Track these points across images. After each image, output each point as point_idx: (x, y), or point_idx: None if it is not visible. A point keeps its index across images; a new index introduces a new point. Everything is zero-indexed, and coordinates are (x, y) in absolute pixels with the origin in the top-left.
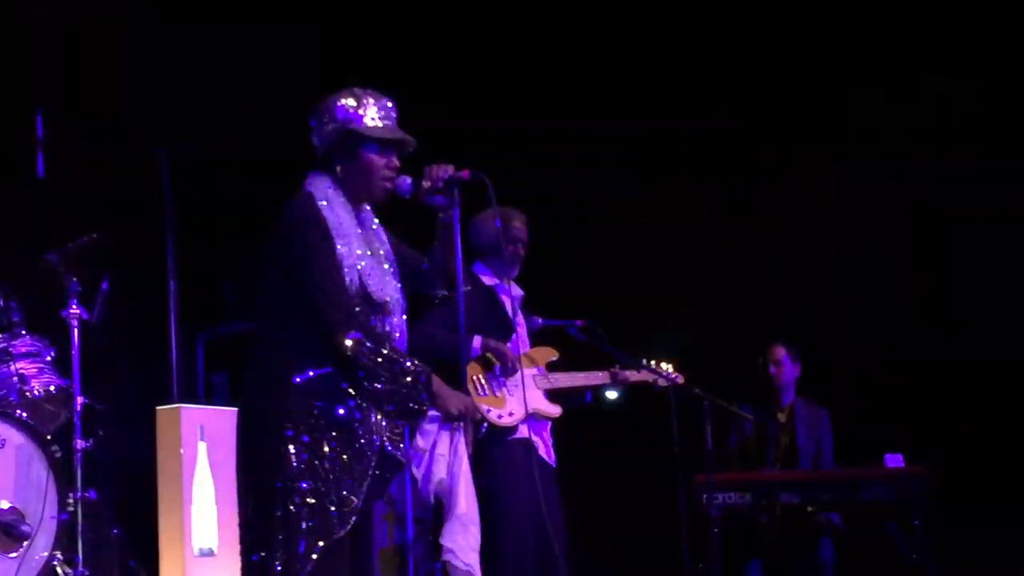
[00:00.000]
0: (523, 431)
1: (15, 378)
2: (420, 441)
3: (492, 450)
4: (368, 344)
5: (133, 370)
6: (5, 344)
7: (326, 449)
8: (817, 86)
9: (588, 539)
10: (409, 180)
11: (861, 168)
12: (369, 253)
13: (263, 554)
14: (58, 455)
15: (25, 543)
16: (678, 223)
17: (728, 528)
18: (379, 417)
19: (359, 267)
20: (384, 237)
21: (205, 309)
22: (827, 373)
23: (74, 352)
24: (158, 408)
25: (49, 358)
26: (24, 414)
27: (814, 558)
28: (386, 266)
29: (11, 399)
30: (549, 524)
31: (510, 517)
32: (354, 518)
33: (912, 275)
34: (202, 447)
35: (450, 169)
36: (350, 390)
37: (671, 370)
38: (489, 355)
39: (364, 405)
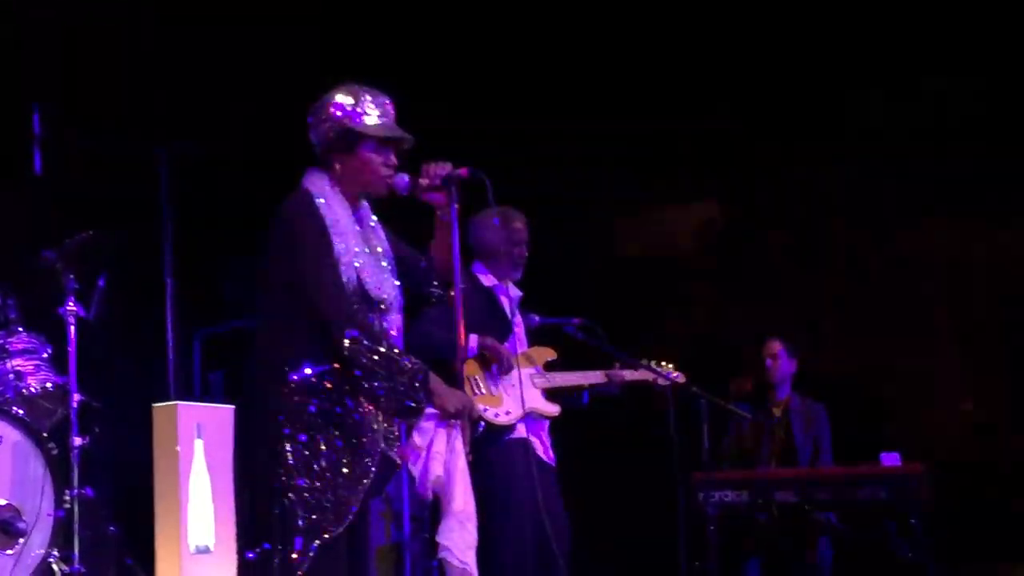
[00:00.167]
0: (520, 430)
1: (12, 375)
2: (417, 439)
3: (489, 449)
4: (365, 342)
5: (130, 367)
6: (2, 341)
7: (323, 447)
8: (817, 86)
9: (586, 538)
10: (407, 178)
11: (861, 167)
12: (367, 251)
13: (259, 552)
14: (54, 452)
15: (21, 540)
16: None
17: (725, 527)
18: (379, 415)
19: (356, 265)
20: (382, 235)
21: (202, 307)
22: (824, 371)
23: (71, 349)
24: (155, 406)
25: (46, 355)
26: (21, 411)
27: (812, 557)
28: (384, 264)
29: (7, 396)
30: (549, 523)
31: (507, 516)
32: (351, 516)
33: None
34: (199, 445)
35: (448, 167)
36: (347, 388)
37: (671, 369)
38: (486, 354)
39: (362, 403)
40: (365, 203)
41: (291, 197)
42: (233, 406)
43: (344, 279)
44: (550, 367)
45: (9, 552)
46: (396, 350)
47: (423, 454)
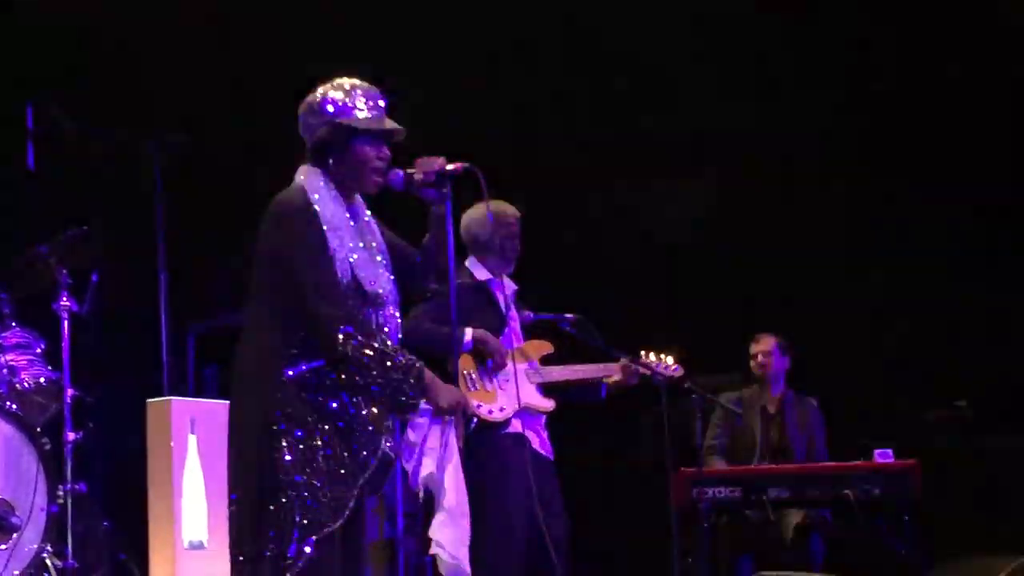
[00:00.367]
0: (515, 425)
1: (5, 370)
2: (411, 435)
3: (484, 444)
4: (359, 338)
5: (123, 362)
6: None
7: (319, 443)
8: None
9: (578, 533)
10: (401, 173)
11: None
12: (361, 245)
13: (254, 548)
14: (48, 447)
15: (14, 535)
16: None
17: (718, 523)
18: (374, 411)
19: (351, 260)
20: (376, 229)
21: (196, 302)
22: (817, 367)
23: (64, 344)
24: (148, 401)
25: (39, 350)
26: (14, 406)
27: (804, 553)
28: (378, 259)
29: (1, 391)
30: (545, 517)
31: (501, 512)
32: (347, 512)
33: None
34: (192, 440)
35: (442, 162)
36: (342, 384)
37: (671, 362)
38: (480, 347)
39: (357, 399)
40: (359, 198)
41: (285, 192)
42: (227, 401)
43: (339, 274)
44: (547, 361)
45: (2, 547)
46: (390, 345)
47: (417, 450)
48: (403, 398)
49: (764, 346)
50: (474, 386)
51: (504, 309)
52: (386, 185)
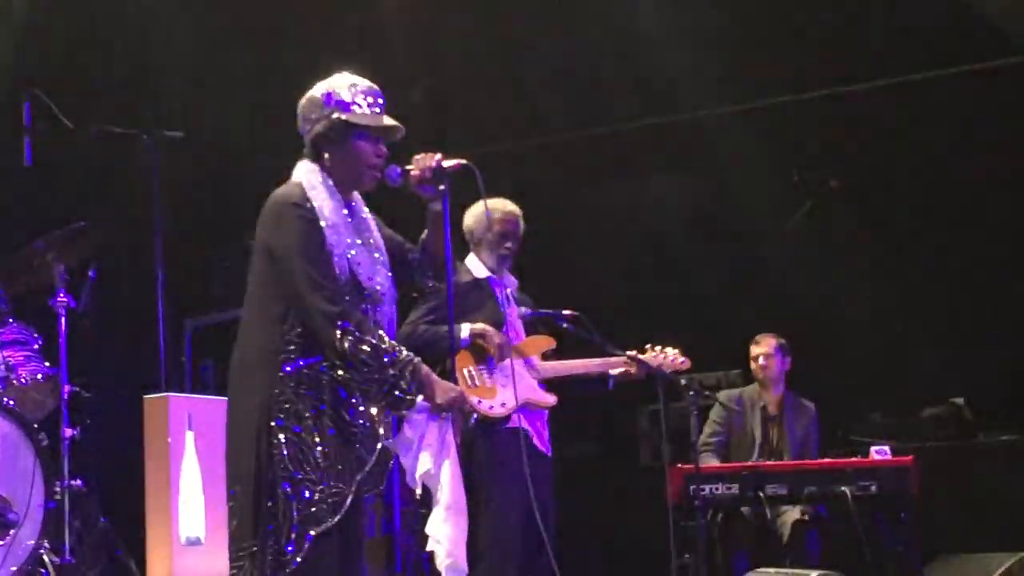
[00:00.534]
0: (515, 421)
1: (2, 366)
2: (408, 431)
3: (483, 440)
4: (356, 334)
5: (120, 358)
6: None
7: (316, 439)
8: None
9: (575, 530)
10: (399, 170)
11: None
12: (359, 242)
13: (252, 543)
14: (45, 443)
15: (11, 531)
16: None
17: (715, 519)
18: (372, 408)
19: (349, 256)
20: (373, 226)
21: (193, 298)
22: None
23: (61, 340)
24: (145, 397)
25: (36, 346)
26: (11, 402)
27: (801, 549)
28: (376, 255)
29: None
30: (539, 513)
31: (500, 507)
32: (344, 508)
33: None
34: (189, 436)
35: (439, 159)
36: (340, 379)
37: (678, 355)
38: (479, 341)
39: (355, 394)
40: (357, 194)
41: (282, 188)
42: (224, 397)
43: (336, 271)
44: (548, 356)
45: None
46: (388, 342)
47: (414, 447)
48: (400, 394)
49: (765, 348)
50: (474, 382)
51: (503, 305)
52: (383, 181)
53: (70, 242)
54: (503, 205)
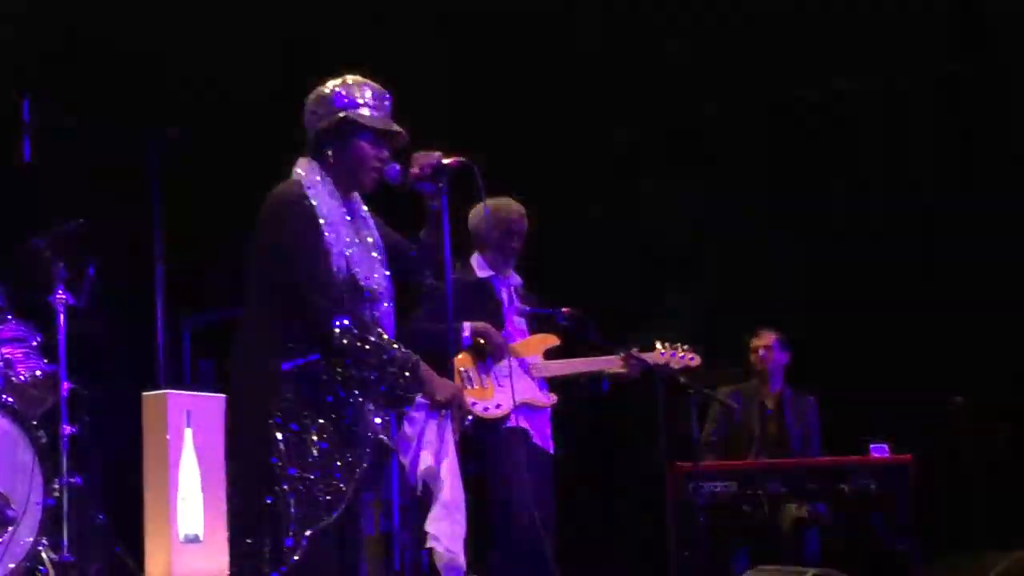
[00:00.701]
0: (515, 420)
1: (1, 363)
2: (407, 428)
3: (487, 438)
4: (355, 331)
5: (119, 356)
6: None
7: (315, 437)
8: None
9: (575, 527)
10: (397, 167)
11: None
12: (357, 240)
13: (250, 541)
14: (44, 440)
15: (10, 528)
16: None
17: (714, 517)
18: (371, 405)
19: (347, 254)
20: (372, 224)
21: (192, 295)
22: (814, 361)
23: (60, 337)
24: (144, 394)
25: (35, 343)
26: (10, 399)
27: (800, 547)
28: (374, 253)
29: None
30: (540, 510)
31: (504, 506)
32: (342, 505)
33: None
34: (188, 433)
35: (439, 157)
36: (339, 377)
37: (688, 351)
38: (479, 340)
39: (353, 392)
40: (356, 193)
41: (281, 185)
42: (223, 395)
43: (334, 269)
44: (551, 355)
45: None
46: (387, 339)
47: (413, 444)
48: (399, 392)
49: (764, 340)
50: (471, 383)
51: (506, 305)
52: (383, 180)
53: (70, 239)
54: (507, 203)
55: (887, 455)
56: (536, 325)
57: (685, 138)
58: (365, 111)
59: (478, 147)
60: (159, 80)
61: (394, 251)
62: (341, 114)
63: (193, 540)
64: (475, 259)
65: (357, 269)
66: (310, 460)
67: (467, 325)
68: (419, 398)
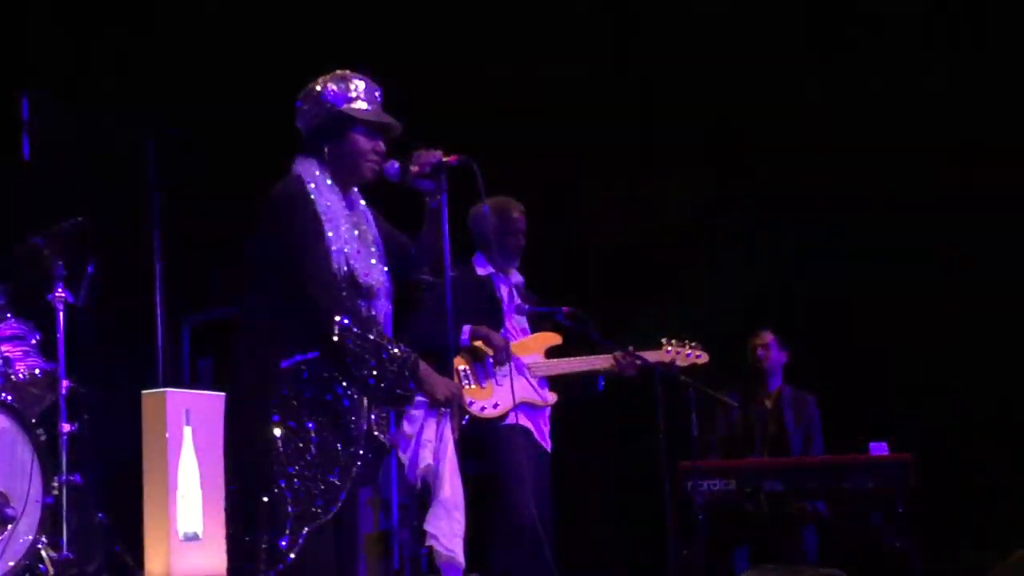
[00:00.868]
0: (515, 418)
1: (0, 361)
2: (406, 427)
3: (484, 438)
4: (355, 329)
5: (119, 354)
6: None
7: (313, 434)
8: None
9: (574, 526)
10: (397, 165)
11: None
12: (356, 235)
13: (249, 539)
14: (43, 438)
15: (9, 527)
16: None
17: (713, 515)
18: (368, 403)
19: (346, 251)
20: (372, 221)
21: (191, 293)
22: (814, 360)
23: (59, 335)
24: (144, 392)
25: (34, 341)
26: (9, 397)
27: (799, 546)
28: (373, 250)
29: None
30: (539, 509)
31: (513, 502)
32: (340, 503)
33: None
34: (187, 431)
35: (438, 154)
36: (337, 375)
37: (696, 348)
38: (480, 343)
39: (352, 390)
40: (355, 189)
41: (281, 182)
42: (222, 393)
43: (334, 266)
44: (552, 353)
45: None
46: (385, 337)
47: (413, 442)
48: (398, 390)
49: (763, 339)
50: (469, 383)
51: (506, 304)
52: (382, 176)
53: (69, 237)
54: (506, 201)
55: (886, 453)
56: (537, 324)
57: (689, 137)
58: (357, 104)
59: (478, 147)
60: (159, 77)
61: (393, 248)
62: (333, 109)
63: (192, 538)
64: (477, 258)
65: (356, 266)
66: (308, 458)
67: (467, 328)
68: (418, 397)
